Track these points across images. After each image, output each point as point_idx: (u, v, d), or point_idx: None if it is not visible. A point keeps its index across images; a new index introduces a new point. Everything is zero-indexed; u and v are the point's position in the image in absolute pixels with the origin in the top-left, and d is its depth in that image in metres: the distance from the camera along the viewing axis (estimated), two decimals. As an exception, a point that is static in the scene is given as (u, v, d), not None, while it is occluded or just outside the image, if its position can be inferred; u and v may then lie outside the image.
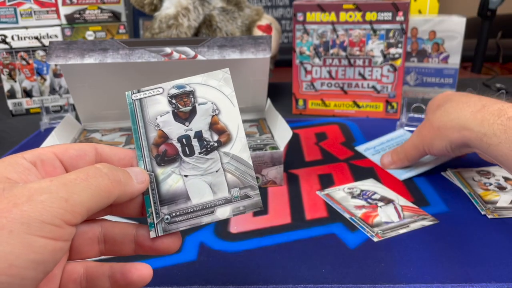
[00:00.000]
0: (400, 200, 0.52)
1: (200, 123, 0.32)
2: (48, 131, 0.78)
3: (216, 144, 0.32)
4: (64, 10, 0.88)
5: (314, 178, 0.59)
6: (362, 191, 0.55)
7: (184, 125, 0.32)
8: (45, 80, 0.90)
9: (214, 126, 0.32)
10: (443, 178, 0.58)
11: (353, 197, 0.54)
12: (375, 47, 0.79)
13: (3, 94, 0.92)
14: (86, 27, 0.90)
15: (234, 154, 0.32)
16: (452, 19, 0.87)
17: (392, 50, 0.78)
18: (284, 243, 0.45)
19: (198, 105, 0.32)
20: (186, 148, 0.32)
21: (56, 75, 0.90)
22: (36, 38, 0.87)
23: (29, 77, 0.89)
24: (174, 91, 0.32)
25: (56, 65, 0.89)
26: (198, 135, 0.32)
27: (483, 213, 0.49)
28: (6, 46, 0.86)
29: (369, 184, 0.57)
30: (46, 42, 0.88)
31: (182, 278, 0.40)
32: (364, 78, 0.81)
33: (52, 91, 0.91)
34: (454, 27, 0.86)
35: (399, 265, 0.41)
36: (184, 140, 0.32)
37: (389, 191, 0.55)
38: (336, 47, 0.81)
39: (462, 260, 0.42)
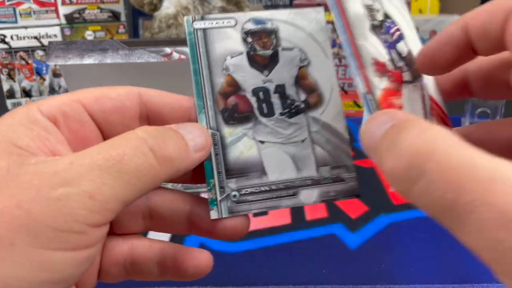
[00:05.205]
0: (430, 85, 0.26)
1: (283, 74, 0.25)
2: (48, 131, 0.78)
3: (303, 105, 0.25)
4: (64, 10, 0.88)
5: (314, 178, 0.59)
6: (386, 17, 0.27)
7: (262, 74, 0.25)
8: (44, 80, 0.90)
9: (302, 81, 0.25)
10: (443, 178, 0.58)
11: (374, 26, 0.27)
12: (375, 46, 0.79)
13: (2, 94, 0.92)
14: (86, 26, 0.89)
15: (326, 122, 0.25)
16: (453, 19, 0.86)
17: (392, 50, 0.78)
18: (284, 243, 0.45)
19: (282, 50, 0.25)
20: (264, 105, 0.24)
21: (56, 75, 0.90)
22: (36, 38, 0.87)
23: (29, 77, 0.89)
24: (250, 26, 0.24)
25: (55, 65, 0.88)
26: (280, 90, 0.24)
27: (483, 213, 0.49)
28: (5, 46, 0.86)
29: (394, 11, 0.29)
30: (45, 42, 0.87)
31: (182, 279, 0.40)
32: (364, 78, 0.81)
33: (52, 91, 0.91)
34: (454, 27, 0.86)
35: (399, 265, 0.41)
36: (261, 94, 0.24)
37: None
38: (336, 47, 0.81)
39: (462, 260, 0.42)
